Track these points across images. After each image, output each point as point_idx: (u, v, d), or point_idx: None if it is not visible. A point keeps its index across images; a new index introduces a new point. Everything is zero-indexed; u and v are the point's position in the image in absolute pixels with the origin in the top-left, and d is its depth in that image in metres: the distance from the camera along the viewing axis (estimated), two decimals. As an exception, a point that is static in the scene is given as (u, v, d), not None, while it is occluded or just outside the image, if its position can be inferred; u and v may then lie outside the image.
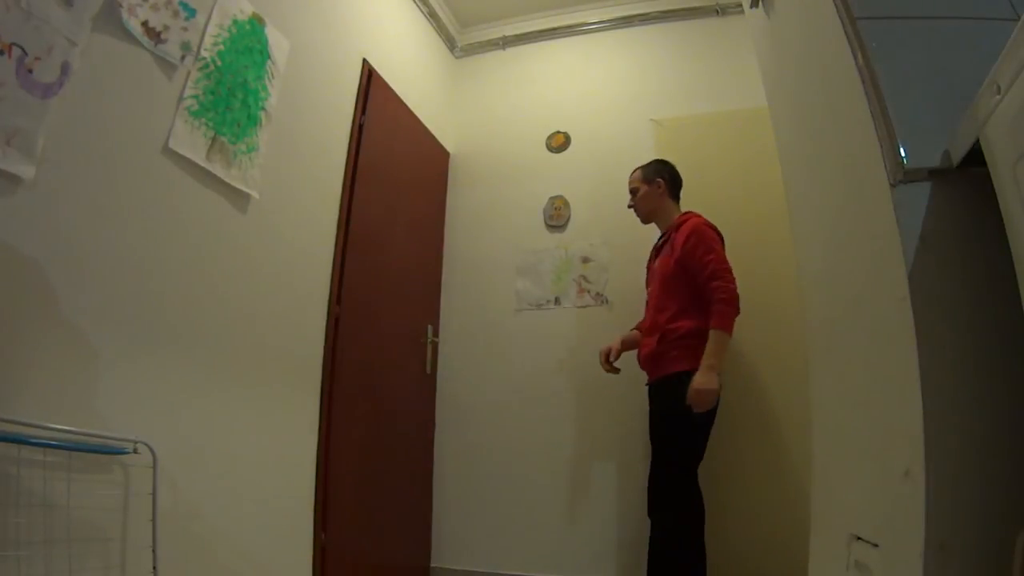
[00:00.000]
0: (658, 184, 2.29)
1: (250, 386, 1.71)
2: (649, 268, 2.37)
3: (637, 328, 2.34)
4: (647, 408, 2.21)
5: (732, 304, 1.98)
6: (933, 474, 0.82)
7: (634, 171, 2.38)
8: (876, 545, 0.98)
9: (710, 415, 1.97)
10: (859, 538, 1.03)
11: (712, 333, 1.95)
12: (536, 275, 2.82)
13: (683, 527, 1.96)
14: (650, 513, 2.06)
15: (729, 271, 2.02)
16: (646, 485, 2.10)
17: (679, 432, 2.00)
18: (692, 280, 2.06)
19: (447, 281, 2.94)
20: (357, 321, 2.20)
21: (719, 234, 2.15)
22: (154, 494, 1.32)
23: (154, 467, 1.32)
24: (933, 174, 0.91)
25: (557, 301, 2.77)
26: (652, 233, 2.69)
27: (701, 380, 1.91)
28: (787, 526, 2.08)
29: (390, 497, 2.37)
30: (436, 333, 2.81)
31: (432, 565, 2.61)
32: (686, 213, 2.24)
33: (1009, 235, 0.77)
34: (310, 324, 2.01)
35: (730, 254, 2.13)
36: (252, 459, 1.70)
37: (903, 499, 0.88)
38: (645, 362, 2.20)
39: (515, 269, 2.86)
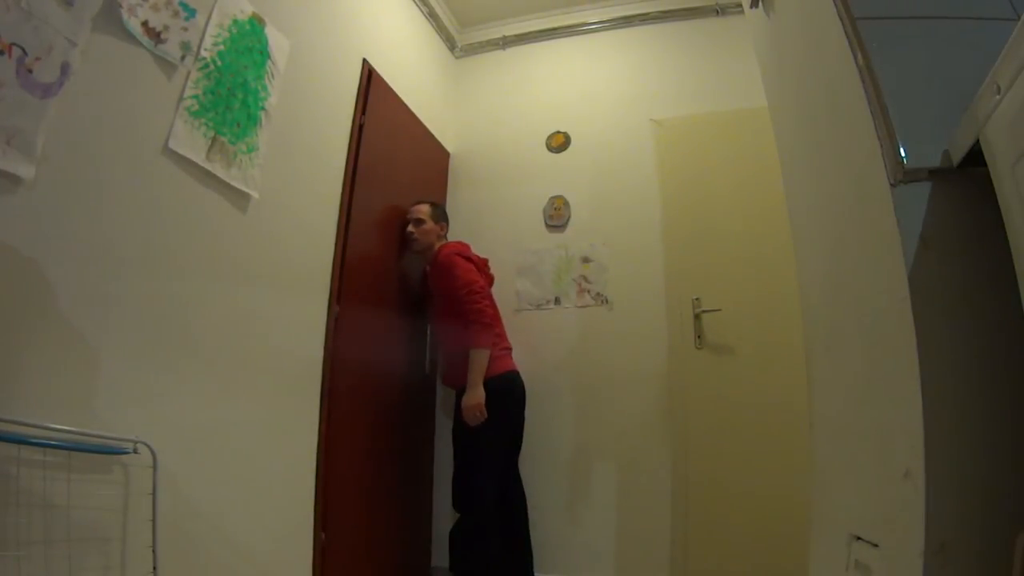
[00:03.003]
0: (442, 227, 2.50)
1: (250, 385, 1.71)
2: (425, 296, 2.56)
3: None
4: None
5: (480, 322, 2.18)
6: (933, 474, 0.82)
7: (421, 203, 2.51)
8: (876, 545, 0.98)
9: (494, 422, 2.16)
10: (859, 538, 1.03)
11: (471, 352, 2.17)
12: (536, 275, 2.82)
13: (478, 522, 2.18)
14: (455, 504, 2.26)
15: (471, 292, 2.21)
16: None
17: (474, 437, 2.18)
18: (455, 306, 2.24)
19: (447, 281, 2.95)
20: (357, 321, 2.20)
21: (467, 257, 2.34)
22: (154, 494, 1.32)
23: (154, 467, 1.32)
24: (933, 174, 0.91)
25: (557, 301, 2.77)
26: (651, 234, 2.73)
27: (465, 398, 2.15)
28: (786, 526, 2.08)
29: (390, 497, 2.36)
30: (436, 333, 2.80)
31: (432, 565, 2.61)
32: (442, 245, 2.43)
33: (1009, 235, 0.77)
34: (310, 324, 2.01)
35: (729, 254, 2.14)
36: (252, 459, 1.70)
37: (903, 499, 0.88)
38: (447, 381, 2.43)
39: (515, 269, 2.86)
